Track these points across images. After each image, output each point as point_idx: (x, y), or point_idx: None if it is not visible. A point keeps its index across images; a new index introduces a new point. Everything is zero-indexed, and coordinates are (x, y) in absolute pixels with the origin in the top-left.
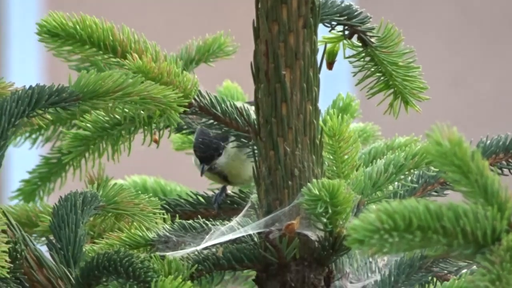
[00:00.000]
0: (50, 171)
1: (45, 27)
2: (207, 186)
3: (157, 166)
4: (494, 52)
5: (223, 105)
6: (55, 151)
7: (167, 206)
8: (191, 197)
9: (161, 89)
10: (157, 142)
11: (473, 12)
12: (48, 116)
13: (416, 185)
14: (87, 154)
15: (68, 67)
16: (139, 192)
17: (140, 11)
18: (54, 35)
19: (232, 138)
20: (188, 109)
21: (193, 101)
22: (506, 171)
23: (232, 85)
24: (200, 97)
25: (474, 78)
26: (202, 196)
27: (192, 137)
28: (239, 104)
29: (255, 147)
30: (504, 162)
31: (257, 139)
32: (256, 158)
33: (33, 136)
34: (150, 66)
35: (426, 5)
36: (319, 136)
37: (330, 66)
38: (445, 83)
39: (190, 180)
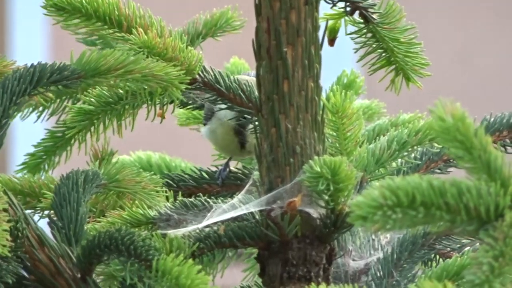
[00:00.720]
0: (55, 144)
1: (51, 0)
2: (210, 162)
3: (162, 142)
4: (500, 27)
5: (227, 80)
6: (61, 125)
7: (170, 181)
8: (195, 172)
9: (163, 67)
10: (161, 116)
11: None
12: (50, 94)
13: (419, 162)
14: (92, 129)
15: (75, 40)
16: (141, 170)
17: None
18: (60, 9)
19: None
20: (190, 86)
21: (197, 76)
22: (509, 149)
23: (239, 61)
24: (204, 73)
25: (479, 54)
26: (206, 172)
27: (197, 112)
28: (245, 77)
29: (257, 124)
30: (507, 140)
31: (259, 116)
32: (258, 135)
33: (39, 109)
34: (155, 42)
35: None
36: (320, 113)
37: (331, 42)
38: (450, 59)
39: (194, 156)
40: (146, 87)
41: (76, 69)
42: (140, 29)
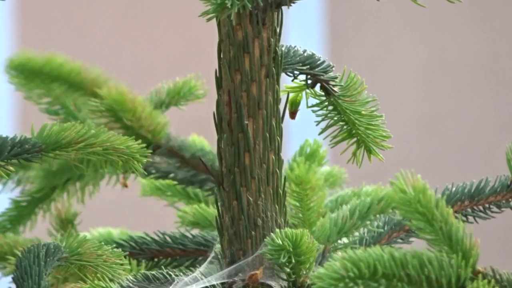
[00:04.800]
0: (20, 213)
1: (14, 63)
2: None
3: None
4: (467, 96)
5: (191, 148)
6: (25, 194)
7: (133, 244)
8: (158, 236)
9: (124, 140)
10: (124, 185)
11: (447, 55)
12: (11, 168)
13: (382, 231)
14: (57, 198)
15: (39, 110)
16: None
17: (113, 52)
18: (23, 72)
19: None
20: (154, 152)
21: (162, 141)
22: (471, 218)
23: (198, 138)
24: (169, 139)
25: (446, 121)
26: (169, 236)
27: (159, 183)
28: None
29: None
30: (469, 210)
31: (220, 189)
32: (219, 208)
33: (2, 180)
34: (125, 97)
35: (399, 45)
36: (282, 186)
37: (293, 115)
38: (417, 125)
39: (162, 227)
40: (106, 161)
41: (37, 142)
42: (110, 85)
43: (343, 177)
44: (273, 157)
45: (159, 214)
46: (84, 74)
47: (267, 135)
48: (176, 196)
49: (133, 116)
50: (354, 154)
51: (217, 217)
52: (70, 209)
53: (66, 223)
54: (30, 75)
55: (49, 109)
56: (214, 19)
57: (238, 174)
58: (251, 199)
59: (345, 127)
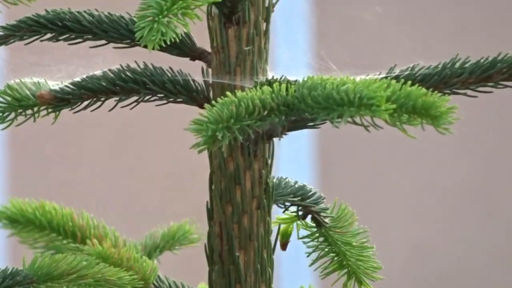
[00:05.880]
0: None
1: (5, 213)
2: None
3: None
4: (454, 220)
5: None
6: None
7: None
8: None
9: (116, 271)
10: None
11: (437, 180)
12: None
13: None
14: None
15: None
16: None
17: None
18: (14, 221)
19: None
20: None
21: (152, 285)
22: None
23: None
24: (159, 282)
25: (436, 246)
26: None
27: None
28: None
29: None
30: None
31: None
32: None
33: None
34: (109, 252)
35: (390, 172)
36: None
37: (284, 246)
38: (405, 255)
39: None
40: None
41: (28, 274)
42: (95, 240)
43: None
44: None
45: None
46: (74, 221)
47: (259, 266)
48: None
49: (120, 266)
50: (345, 285)
51: None
52: None
53: None
54: (21, 224)
55: (44, 253)
56: (206, 151)
57: None
58: None
59: (336, 258)
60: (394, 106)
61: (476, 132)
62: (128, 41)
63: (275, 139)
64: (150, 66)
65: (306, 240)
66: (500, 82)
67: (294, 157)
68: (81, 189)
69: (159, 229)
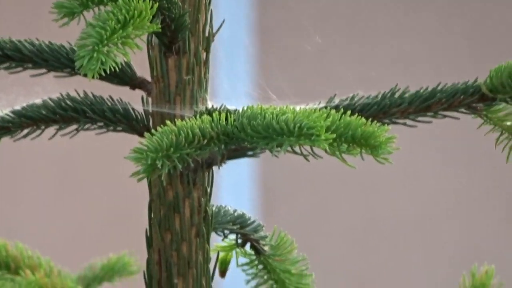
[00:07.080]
0: None
1: None
2: None
3: None
4: (401, 256)
5: None
6: None
7: None
8: None
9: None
10: None
11: (383, 214)
12: None
13: None
14: None
15: None
16: None
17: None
18: None
19: None
20: None
21: None
22: None
23: None
24: None
25: (376, 276)
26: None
27: None
28: None
29: None
30: None
31: None
32: None
33: None
34: (42, 282)
35: (334, 204)
36: None
37: (223, 274)
38: (348, 280)
39: None
40: None
41: None
42: (28, 270)
43: None
44: None
45: None
46: (8, 252)
47: None
48: None
49: None
50: None
51: None
52: None
53: None
54: None
55: None
56: (145, 179)
57: None
58: None
59: (274, 285)
60: (334, 135)
61: (419, 166)
62: (69, 69)
63: (215, 167)
64: (90, 95)
65: (245, 267)
66: (440, 112)
67: (234, 185)
68: (20, 220)
69: (98, 261)
